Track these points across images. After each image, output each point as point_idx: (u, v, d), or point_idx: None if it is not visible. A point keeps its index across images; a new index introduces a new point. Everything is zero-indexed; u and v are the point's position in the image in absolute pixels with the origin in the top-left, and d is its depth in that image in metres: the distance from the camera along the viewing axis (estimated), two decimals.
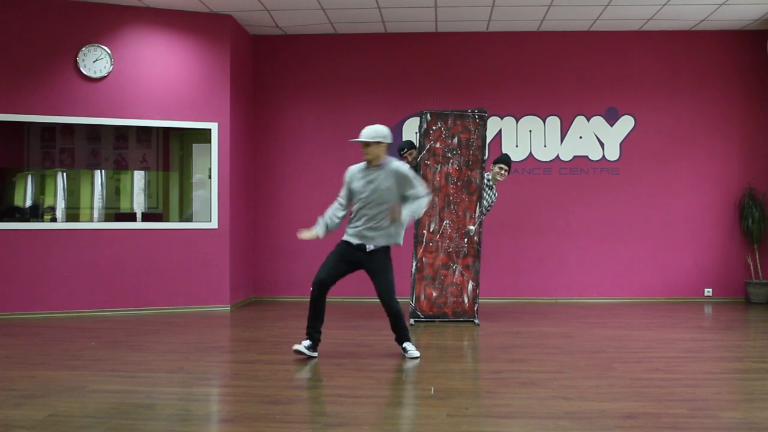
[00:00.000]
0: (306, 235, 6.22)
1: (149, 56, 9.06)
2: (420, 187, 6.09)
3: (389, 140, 6.08)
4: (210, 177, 9.24)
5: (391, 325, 6.23)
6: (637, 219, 10.07)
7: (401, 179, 6.02)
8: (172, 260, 9.08)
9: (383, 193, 6.03)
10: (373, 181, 6.05)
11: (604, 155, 10.13)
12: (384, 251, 6.15)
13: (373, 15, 9.37)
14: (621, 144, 10.12)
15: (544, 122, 10.17)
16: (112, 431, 4.06)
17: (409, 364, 5.88)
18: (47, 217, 9.19)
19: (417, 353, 6.13)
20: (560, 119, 10.16)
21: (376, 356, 6.23)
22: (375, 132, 6.02)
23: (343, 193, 6.26)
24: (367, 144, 6.02)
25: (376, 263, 6.15)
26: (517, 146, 10.16)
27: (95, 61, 8.83)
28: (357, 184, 6.13)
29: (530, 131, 10.17)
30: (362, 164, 6.18)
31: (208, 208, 9.26)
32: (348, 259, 6.23)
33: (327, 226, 6.27)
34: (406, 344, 6.18)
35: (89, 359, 6.10)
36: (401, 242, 6.20)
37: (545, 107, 10.17)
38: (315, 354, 6.13)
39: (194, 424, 4.30)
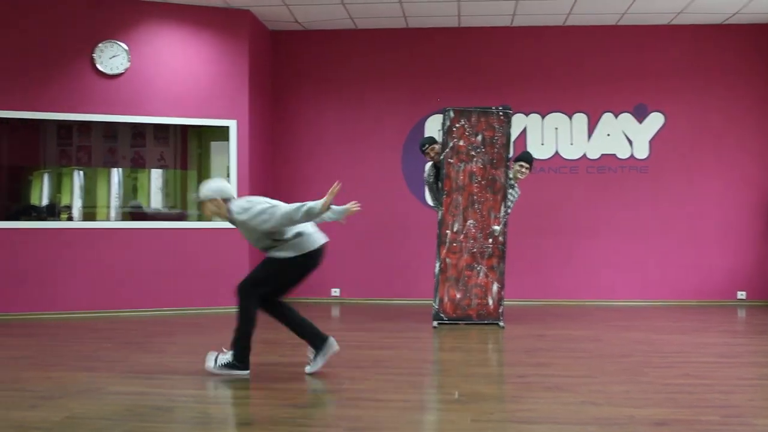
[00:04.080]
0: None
1: (167, 52, 9.10)
2: (280, 211, 5.37)
3: (224, 195, 5.56)
4: (228, 175, 9.26)
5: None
6: (667, 219, 9.99)
7: (244, 226, 5.53)
8: (190, 260, 9.12)
9: (251, 233, 5.61)
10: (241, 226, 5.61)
11: (632, 153, 10.06)
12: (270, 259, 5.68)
13: (395, 10, 9.36)
14: (650, 142, 10.04)
15: (570, 119, 10.11)
16: None
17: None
18: (64, 216, 9.25)
19: (211, 364, 5.64)
20: (587, 116, 10.10)
21: (399, 360, 6.22)
22: (206, 189, 5.59)
23: None
24: (202, 203, 5.63)
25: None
26: (542, 144, 10.10)
27: (112, 58, 8.88)
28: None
29: (556, 129, 10.12)
30: None
31: None
32: None
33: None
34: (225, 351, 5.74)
35: (106, 360, 6.14)
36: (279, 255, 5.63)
37: (572, 104, 10.12)
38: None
39: (213, 427, 4.31)
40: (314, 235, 5.73)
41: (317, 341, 5.71)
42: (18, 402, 4.75)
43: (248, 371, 5.62)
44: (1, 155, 8.93)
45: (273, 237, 5.56)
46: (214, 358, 5.65)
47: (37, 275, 8.66)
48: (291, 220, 5.33)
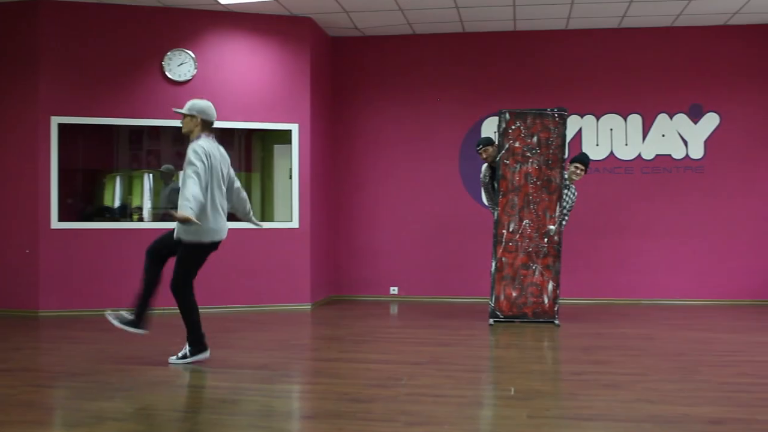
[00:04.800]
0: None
1: (231, 59, 9.26)
2: (187, 174, 5.58)
3: (207, 116, 5.81)
4: (291, 177, 9.39)
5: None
6: (722, 218, 9.82)
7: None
8: (254, 259, 9.27)
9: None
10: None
11: (687, 153, 9.91)
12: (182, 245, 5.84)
13: (451, 15, 9.38)
14: (705, 142, 9.88)
15: (625, 120, 10.00)
16: (199, 425, 4.19)
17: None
18: (135, 216, 9.49)
19: (173, 359, 5.89)
20: (642, 117, 9.99)
21: (456, 356, 6.25)
22: (194, 104, 5.82)
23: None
24: (184, 116, 5.84)
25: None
26: (597, 145, 10.02)
27: (180, 65, 9.07)
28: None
29: (611, 130, 10.02)
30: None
31: (290, 208, 9.41)
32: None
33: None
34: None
35: (177, 355, 6.28)
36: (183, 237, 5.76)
37: (626, 105, 10.01)
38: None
39: (277, 420, 4.40)
40: (213, 228, 5.79)
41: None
42: (95, 393, 4.90)
43: (207, 352, 5.93)
44: (76, 159, 9.19)
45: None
46: (175, 358, 5.88)
47: (111, 273, 8.89)
48: (181, 193, 5.49)
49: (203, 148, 5.63)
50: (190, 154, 5.58)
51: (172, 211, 5.58)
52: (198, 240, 5.72)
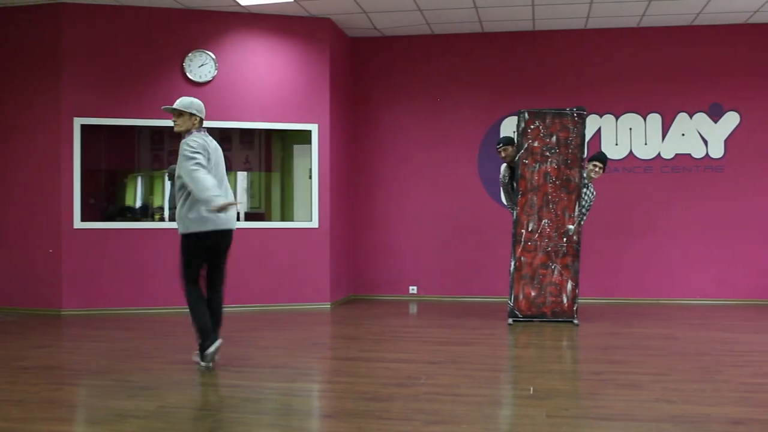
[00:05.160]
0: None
1: (251, 60, 9.27)
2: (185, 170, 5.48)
3: (203, 114, 5.74)
4: (310, 177, 9.38)
5: (218, 321, 5.84)
6: (742, 218, 9.70)
7: (179, 156, 5.63)
8: (274, 259, 9.27)
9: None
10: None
11: (707, 153, 9.80)
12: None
13: (470, 15, 9.33)
14: (725, 141, 9.77)
15: (644, 120, 9.91)
16: (220, 423, 4.19)
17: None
18: (156, 216, 9.52)
19: (197, 359, 5.69)
20: (661, 116, 9.89)
21: (475, 355, 6.21)
22: (189, 102, 5.68)
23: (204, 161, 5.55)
24: (179, 114, 5.68)
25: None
26: (616, 144, 9.94)
27: (201, 66, 9.08)
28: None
29: (630, 129, 9.93)
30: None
31: (309, 208, 9.40)
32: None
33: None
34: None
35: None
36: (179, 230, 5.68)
37: (646, 104, 9.92)
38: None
39: (297, 418, 4.39)
40: (204, 218, 5.54)
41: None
42: (117, 391, 4.92)
43: (219, 341, 5.65)
44: (98, 160, 9.24)
45: (180, 194, 5.57)
46: (198, 358, 5.66)
47: (134, 272, 8.93)
48: (195, 190, 5.34)
49: (197, 142, 5.53)
50: (186, 150, 5.47)
51: (205, 211, 5.43)
52: (186, 230, 5.58)
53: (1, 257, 9.01)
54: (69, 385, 5.19)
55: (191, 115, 5.65)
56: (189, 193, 5.47)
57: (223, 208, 5.31)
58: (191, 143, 5.51)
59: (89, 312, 8.77)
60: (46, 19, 8.84)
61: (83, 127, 8.83)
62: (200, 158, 5.43)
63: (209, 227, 5.54)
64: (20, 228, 8.93)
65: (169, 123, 8.97)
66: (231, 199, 5.66)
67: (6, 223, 9.00)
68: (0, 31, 9.03)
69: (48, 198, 8.82)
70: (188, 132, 5.64)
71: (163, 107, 5.77)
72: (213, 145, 5.71)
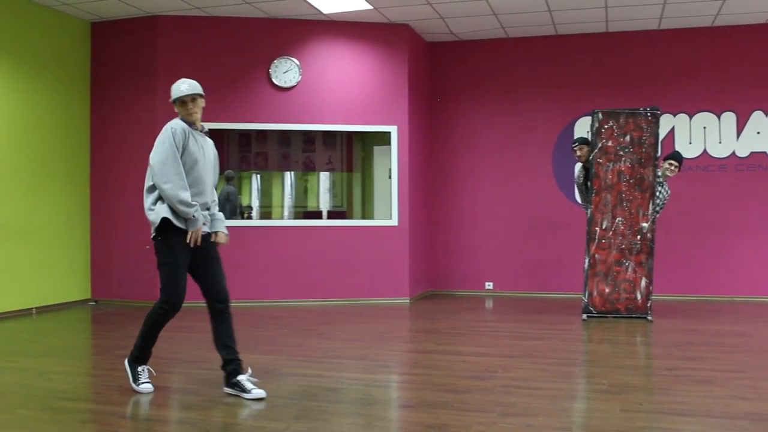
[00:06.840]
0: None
1: (333, 66, 9.38)
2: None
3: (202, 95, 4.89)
4: (390, 177, 9.44)
5: (231, 335, 5.02)
6: None
7: (216, 160, 4.93)
8: (355, 255, 9.37)
9: (210, 169, 4.87)
10: (204, 149, 4.82)
11: None
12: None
13: (544, 18, 9.24)
14: None
15: (719, 118, 9.64)
16: (303, 411, 4.27)
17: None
18: (245, 215, 9.74)
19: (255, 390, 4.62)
20: (736, 115, 9.60)
21: (550, 350, 6.17)
22: (197, 85, 4.76)
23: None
24: (194, 98, 4.72)
25: (214, 249, 5.18)
26: (690, 143, 9.69)
27: (285, 72, 9.23)
28: (194, 147, 4.68)
29: (704, 128, 9.67)
30: (184, 124, 4.71)
31: (389, 207, 9.46)
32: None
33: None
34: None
35: (282, 345, 6.42)
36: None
37: (720, 103, 9.64)
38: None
39: (377, 408, 4.44)
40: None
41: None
42: (207, 379, 5.08)
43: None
44: None
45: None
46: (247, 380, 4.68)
47: (224, 268, 9.12)
48: (158, 179, 4.67)
49: (169, 126, 4.71)
50: (159, 137, 4.66)
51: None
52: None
53: (104, 254, 9.36)
54: (164, 373, 5.36)
55: (203, 98, 4.83)
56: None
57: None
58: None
59: (184, 305, 8.99)
60: (143, 31, 9.13)
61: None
62: (167, 144, 4.65)
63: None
64: (119, 227, 9.25)
65: (256, 126, 9.18)
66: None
67: (106, 222, 9.34)
68: (100, 43, 9.37)
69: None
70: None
71: (186, 93, 4.69)
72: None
